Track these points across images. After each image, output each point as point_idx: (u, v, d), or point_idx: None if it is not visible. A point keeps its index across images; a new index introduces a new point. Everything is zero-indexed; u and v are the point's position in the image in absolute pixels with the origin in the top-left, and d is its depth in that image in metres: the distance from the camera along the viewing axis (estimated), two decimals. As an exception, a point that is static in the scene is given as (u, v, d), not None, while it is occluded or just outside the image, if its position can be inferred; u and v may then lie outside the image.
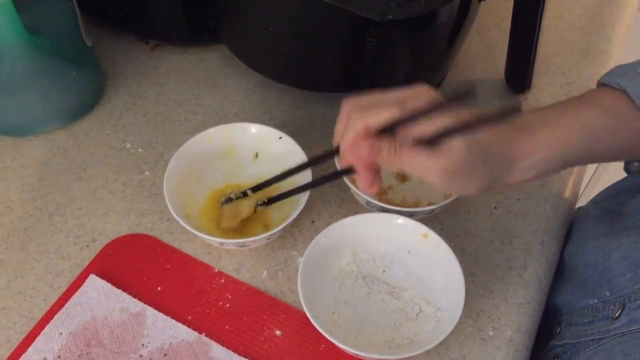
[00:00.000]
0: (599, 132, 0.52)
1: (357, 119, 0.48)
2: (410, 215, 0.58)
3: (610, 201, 0.65)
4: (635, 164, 0.61)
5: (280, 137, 0.63)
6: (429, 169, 0.47)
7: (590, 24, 0.83)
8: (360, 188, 0.51)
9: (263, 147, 0.64)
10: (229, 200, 0.61)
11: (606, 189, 0.68)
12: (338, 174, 0.55)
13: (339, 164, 0.58)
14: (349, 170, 0.51)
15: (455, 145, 0.46)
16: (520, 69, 0.73)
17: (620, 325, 0.53)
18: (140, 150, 0.68)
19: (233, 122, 0.64)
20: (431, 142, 0.46)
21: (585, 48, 0.80)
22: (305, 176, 0.59)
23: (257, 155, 0.65)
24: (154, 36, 0.77)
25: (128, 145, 0.69)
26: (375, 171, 0.49)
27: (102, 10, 0.75)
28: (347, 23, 0.60)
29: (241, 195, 0.61)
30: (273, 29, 0.65)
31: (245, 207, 0.60)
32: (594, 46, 0.80)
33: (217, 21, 0.72)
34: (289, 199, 0.61)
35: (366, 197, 0.58)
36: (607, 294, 0.56)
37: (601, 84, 0.56)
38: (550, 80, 0.76)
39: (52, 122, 0.68)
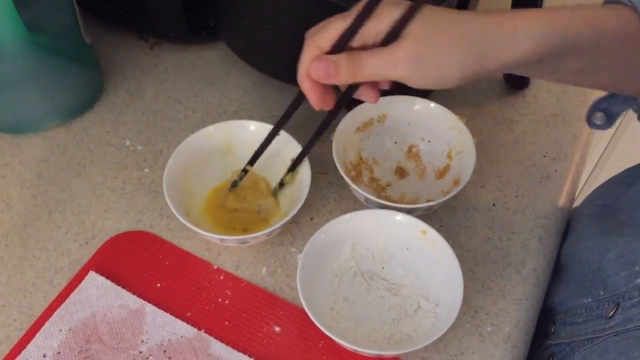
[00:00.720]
0: (602, 25, 0.46)
1: (309, 45, 0.48)
2: (408, 212, 0.58)
3: (605, 197, 0.65)
4: None
5: (278, 134, 0.63)
6: (392, 63, 0.45)
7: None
8: (326, 109, 0.50)
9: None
10: (234, 184, 0.62)
11: (601, 185, 0.68)
12: (296, 100, 0.54)
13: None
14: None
15: (411, 30, 0.44)
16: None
17: (615, 325, 0.53)
18: (139, 147, 0.68)
19: (232, 119, 0.64)
20: (389, 40, 0.45)
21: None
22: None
23: (256, 152, 0.65)
24: (153, 34, 0.77)
25: (127, 143, 0.69)
26: (326, 87, 0.48)
27: (101, 8, 0.75)
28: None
29: (243, 174, 0.62)
30: (272, 27, 0.65)
31: (263, 196, 0.62)
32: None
33: (216, 19, 0.72)
34: (288, 196, 0.61)
35: (365, 194, 0.58)
36: (601, 293, 0.56)
37: (608, 2, 0.50)
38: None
39: (52, 120, 0.68)
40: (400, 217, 0.57)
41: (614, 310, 0.53)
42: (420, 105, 0.65)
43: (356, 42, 0.47)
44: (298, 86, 0.71)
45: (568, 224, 0.67)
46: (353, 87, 0.51)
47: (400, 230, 0.57)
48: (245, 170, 0.62)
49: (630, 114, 0.61)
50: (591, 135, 0.74)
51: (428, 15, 0.45)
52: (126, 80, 0.75)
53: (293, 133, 0.63)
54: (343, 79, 0.47)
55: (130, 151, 0.68)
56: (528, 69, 0.48)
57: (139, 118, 0.71)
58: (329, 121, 0.56)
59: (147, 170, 0.66)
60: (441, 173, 0.65)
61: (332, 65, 0.46)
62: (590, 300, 0.57)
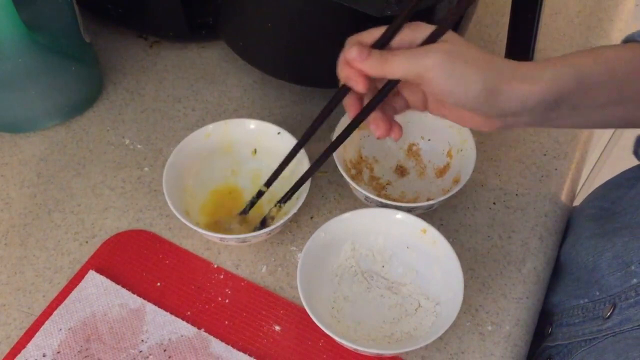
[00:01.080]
0: (620, 65, 0.48)
1: (350, 41, 0.49)
2: (409, 210, 0.58)
3: (604, 199, 0.65)
4: None
5: (278, 133, 0.63)
6: (424, 53, 0.45)
7: (589, 20, 0.83)
8: (357, 89, 0.49)
9: (261, 142, 0.64)
10: (251, 205, 0.61)
11: (600, 186, 0.68)
12: (339, 93, 0.53)
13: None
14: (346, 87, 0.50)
15: (446, 37, 0.45)
16: (522, 45, 0.72)
17: (612, 325, 0.53)
18: (139, 146, 0.68)
19: (232, 118, 0.64)
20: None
21: (583, 44, 0.80)
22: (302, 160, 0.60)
23: (255, 150, 0.65)
24: (153, 32, 0.77)
25: (127, 141, 0.69)
26: (368, 78, 0.48)
27: (100, 6, 0.75)
28: (347, 19, 0.61)
29: (257, 197, 0.60)
30: (272, 25, 0.65)
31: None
32: (592, 43, 0.80)
33: (215, 17, 0.72)
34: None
35: (365, 192, 0.58)
36: (597, 293, 0.56)
37: (626, 40, 0.52)
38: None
39: (51, 119, 0.68)
40: (400, 215, 0.57)
41: (610, 311, 0.53)
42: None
43: (394, 45, 0.48)
44: (297, 83, 0.72)
45: (567, 224, 0.67)
46: (378, 97, 0.50)
47: (401, 229, 0.57)
48: (260, 193, 0.60)
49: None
50: (591, 134, 0.74)
51: (460, 40, 0.47)
52: (126, 79, 0.74)
53: (292, 132, 0.62)
54: (373, 63, 0.47)
55: (129, 150, 0.68)
56: (548, 112, 0.48)
57: (139, 117, 0.71)
58: (349, 130, 0.54)
59: (146, 169, 0.66)
60: (441, 172, 0.65)
61: (365, 50, 0.47)
62: (586, 300, 0.57)
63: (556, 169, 0.68)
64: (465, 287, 0.52)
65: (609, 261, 0.55)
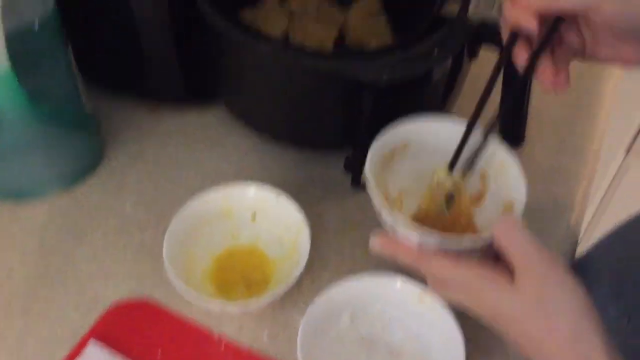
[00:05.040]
0: None
1: None
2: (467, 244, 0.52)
3: (623, 248, 0.63)
4: None
5: (277, 197, 0.63)
6: None
7: (580, 79, 0.84)
8: (528, 27, 0.48)
9: (261, 207, 0.65)
10: (451, 198, 0.57)
11: (608, 236, 0.67)
12: (507, 47, 0.52)
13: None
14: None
15: None
16: (513, 122, 0.74)
17: None
18: (140, 212, 0.69)
19: (232, 181, 0.65)
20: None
21: (575, 104, 0.81)
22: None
23: (254, 215, 0.65)
24: (154, 97, 0.79)
25: (128, 208, 0.69)
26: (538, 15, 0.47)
27: (102, 73, 0.77)
28: (344, 85, 0.62)
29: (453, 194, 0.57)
30: (270, 91, 0.66)
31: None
32: (585, 102, 0.81)
33: (215, 83, 0.73)
34: (287, 260, 0.61)
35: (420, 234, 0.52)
36: None
37: None
38: (544, 134, 0.77)
39: (53, 187, 0.69)
40: (399, 284, 0.57)
41: None
42: (439, 124, 0.60)
43: None
44: (296, 147, 0.73)
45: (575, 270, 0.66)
46: (544, 39, 0.49)
47: (400, 295, 0.57)
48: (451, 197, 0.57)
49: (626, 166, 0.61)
50: (588, 190, 0.74)
51: None
52: (127, 144, 0.75)
53: (293, 195, 0.63)
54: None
55: (131, 216, 0.69)
56: None
57: (140, 182, 0.72)
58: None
59: (148, 235, 0.67)
60: (477, 199, 0.60)
61: None
62: None
63: (556, 228, 0.68)
64: (467, 354, 0.52)
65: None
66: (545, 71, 0.51)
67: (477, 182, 0.60)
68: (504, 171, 0.58)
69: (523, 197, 0.55)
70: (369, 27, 0.80)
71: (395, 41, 0.79)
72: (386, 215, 0.52)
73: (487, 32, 0.62)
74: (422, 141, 0.60)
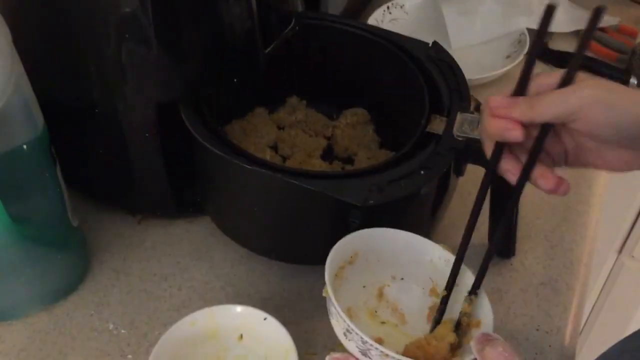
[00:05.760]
0: None
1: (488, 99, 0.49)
2: None
3: None
4: None
5: (265, 318, 0.62)
6: (578, 89, 0.45)
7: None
8: (514, 137, 0.47)
9: (248, 327, 0.63)
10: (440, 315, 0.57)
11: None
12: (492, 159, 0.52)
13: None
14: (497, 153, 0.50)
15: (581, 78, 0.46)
16: (503, 234, 0.74)
17: None
18: (123, 331, 0.67)
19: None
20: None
21: (564, 210, 0.81)
22: None
23: (242, 336, 0.63)
24: (141, 210, 0.78)
25: (111, 326, 0.67)
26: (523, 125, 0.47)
27: (89, 185, 0.76)
28: (330, 205, 0.62)
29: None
30: (257, 208, 0.66)
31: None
32: (573, 208, 0.81)
33: (202, 197, 0.73)
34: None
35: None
36: None
37: None
38: (534, 244, 0.77)
39: (34, 306, 0.67)
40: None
41: None
42: (392, 235, 0.60)
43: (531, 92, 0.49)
44: (283, 261, 0.72)
45: None
46: (536, 145, 0.49)
47: None
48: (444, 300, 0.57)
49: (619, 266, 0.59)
50: (582, 304, 0.73)
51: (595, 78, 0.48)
52: (112, 258, 0.74)
53: (280, 309, 0.62)
54: (522, 107, 0.47)
55: (113, 335, 0.66)
56: None
57: (124, 298, 0.70)
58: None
59: (130, 356, 0.65)
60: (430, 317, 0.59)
61: (511, 102, 0.47)
62: None
63: (550, 346, 0.66)
64: None
65: None
66: (542, 177, 0.50)
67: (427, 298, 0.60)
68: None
69: (490, 317, 0.55)
70: (357, 137, 0.81)
71: (383, 152, 0.79)
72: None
73: (472, 152, 0.62)
74: (370, 251, 0.61)
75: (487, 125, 0.50)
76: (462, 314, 0.56)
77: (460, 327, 0.55)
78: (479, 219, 0.56)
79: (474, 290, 0.56)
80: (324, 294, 0.55)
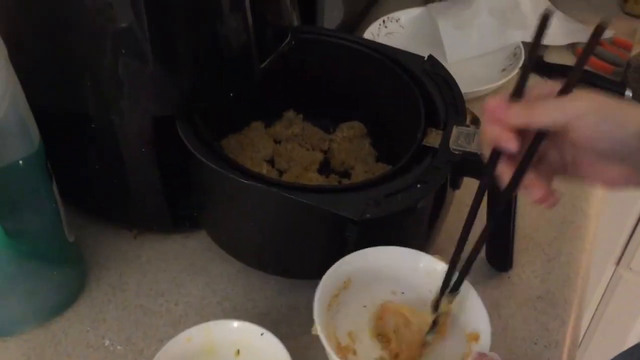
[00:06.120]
0: None
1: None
2: None
3: None
4: None
5: (262, 334, 0.61)
6: (573, 98, 0.45)
7: (564, 199, 0.85)
8: (508, 147, 0.47)
9: (245, 343, 0.62)
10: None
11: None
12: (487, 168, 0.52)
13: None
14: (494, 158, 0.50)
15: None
16: (500, 247, 0.74)
17: None
18: (119, 347, 0.66)
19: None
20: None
21: (561, 223, 0.81)
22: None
23: (238, 351, 0.63)
24: (137, 225, 0.78)
25: (107, 343, 0.67)
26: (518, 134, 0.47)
27: (85, 200, 0.76)
28: (327, 219, 0.61)
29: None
30: (254, 223, 0.66)
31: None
32: (570, 221, 0.81)
33: (199, 211, 0.73)
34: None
35: None
36: None
37: None
38: (532, 257, 0.77)
39: (29, 323, 0.67)
40: None
41: None
42: (385, 253, 0.61)
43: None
44: (280, 276, 0.72)
45: None
46: (527, 153, 0.49)
47: None
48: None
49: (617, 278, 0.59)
50: (580, 318, 0.73)
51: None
52: (109, 274, 0.74)
53: (277, 323, 0.61)
54: (518, 111, 0.47)
55: (109, 352, 0.66)
56: None
57: (120, 314, 0.70)
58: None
59: (126, 373, 0.64)
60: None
61: (505, 106, 0.47)
62: None
63: (548, 359, 0.66)
64: None
65: None
66: (531, 186, 0.50)
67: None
68: (462, 302, 0.58)
69: (487, 327, 0.55)
70: (354, 151, 0.81)
71: (379, 165, 0.79)
72: None
73: (468, 165, 0.62)
74: (364, 273, 0.61)
75: (484, 134, 0.50)
76: (441, 313, 0.56)
77: (436, 325, 0.56)
78: (476, 231, 0.56)
79: (456, 288, 0.56)
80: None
